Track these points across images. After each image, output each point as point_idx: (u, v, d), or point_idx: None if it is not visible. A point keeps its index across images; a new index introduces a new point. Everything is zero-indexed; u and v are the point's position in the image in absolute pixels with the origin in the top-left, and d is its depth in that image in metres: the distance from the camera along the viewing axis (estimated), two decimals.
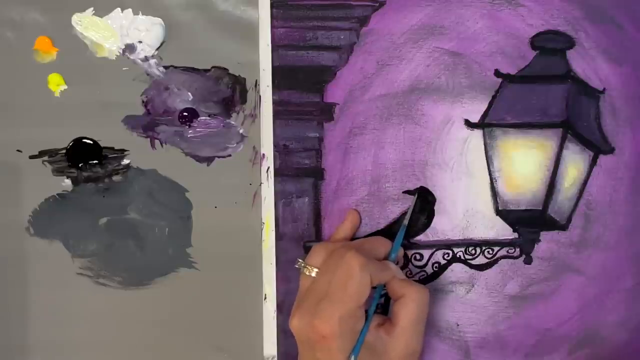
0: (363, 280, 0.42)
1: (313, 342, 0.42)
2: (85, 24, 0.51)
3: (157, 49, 0.51)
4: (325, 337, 0.41)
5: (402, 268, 0.51)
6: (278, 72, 0.51)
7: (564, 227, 0.51)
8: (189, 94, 0.51)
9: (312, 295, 0.43)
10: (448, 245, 0.51)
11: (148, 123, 0.51)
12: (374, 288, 0.44)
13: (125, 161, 0.51)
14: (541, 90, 0.51)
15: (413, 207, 0.51)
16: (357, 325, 0.42)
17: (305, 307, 0.43)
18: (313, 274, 0.45)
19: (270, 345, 0.51)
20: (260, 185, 0.51)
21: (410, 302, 0.43)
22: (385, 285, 0.45)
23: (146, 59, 0.51)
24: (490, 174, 0.51)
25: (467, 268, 0.51)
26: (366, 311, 0.44)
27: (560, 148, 0.51)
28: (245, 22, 0.51)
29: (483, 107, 0.51)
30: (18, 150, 0.51)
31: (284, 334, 0.51)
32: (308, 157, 0.51)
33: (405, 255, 0.51)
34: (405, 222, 0.49)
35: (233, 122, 0.52)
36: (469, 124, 0.51)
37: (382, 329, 0.44)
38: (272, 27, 0.50)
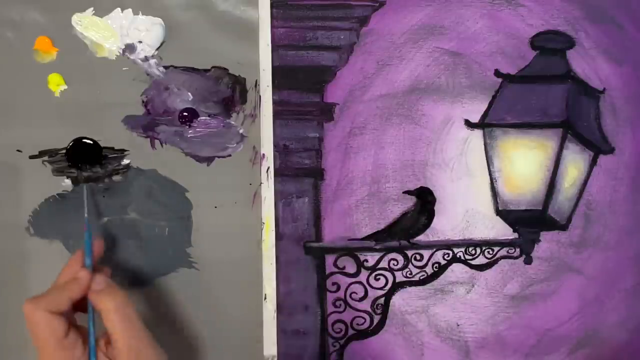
0: (40, 322, 0.42)
1: None
2: (85, 24, 0.51)
3: (157, 49, 0.51)
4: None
5: (402, 268, 0.51)
6: (278, 72, 0.51)
7: (564, 227, 0.51)
8: (189, 94, 0.51)
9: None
10: (448, 245, 0.51)
11: (148, 123, 0.51)
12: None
13: (125, 161, 0.51)
14: (541, 90, 0.51)
15: (413, 208, 0.51)
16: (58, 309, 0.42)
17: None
18: None
19: (270, 345, 0.51)
20: (260, 185, 0.51)
21: (110, 314, 0.43)
22: None
23: (146, 59, 0.51)
24: (490, 174, 0.51)
25: (467, 268, 0.51)
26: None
27: (560, 148, 0.51)
28: (245, 22, 0.51)
29: (483, 107, 0.51)
30: (18, 150, 0.51)
31: (284, 334, 0.51)
32: (308, 157, 0.51)
33: (405, 255, 0.51)
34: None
35: (233, 122, 0.52)
36: (469, 124, 0.51)
37: (109, 354, 0.44)
38: (272, 27, 0.50)
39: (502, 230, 0.51)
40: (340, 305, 0.51)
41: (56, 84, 0.51)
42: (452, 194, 0.51)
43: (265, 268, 0.51)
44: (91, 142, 0.51)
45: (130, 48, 0.51)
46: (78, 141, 0.51)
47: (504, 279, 0.51)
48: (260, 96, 0.51)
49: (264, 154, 0.51)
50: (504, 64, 0.51)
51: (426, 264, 0.51)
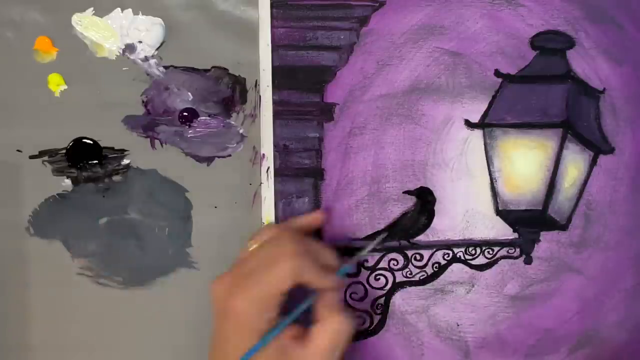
0: (288, 269, 0.40)
1: (228, 315, 0.41)
2: (85, 24, 0.51)
3: (157, 49, 0.51)
4: (237, 313, 0.40)
5: (402, 268, 0.51)
6: (278, 72, 0.51)
7: (564, 227, 0.51)
8: (189, 94, 0.51)
9: (240, 269, 0.42)
10: (448, 245, 0.51)
11: (148, 123, 0.51)
12: (305, 296, 0.42)
13: (125, 161, 0.51)
14: (541, 90, 0.51)
15: (413, 208, 0.51)
16: (270, 314, 0.40)
17: (229, 279, 0.42)
18: (250, 249, 0.44)
19: None
20: (260, 185, 0.51)
21: (330, 329, 0.41)
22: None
23: (146, 59, 0.51)
24: (490, 174, 0.51)
25: (467, 268, 0.51)
26: (285, 314, 0.42)
27: (561, 148, 0.51)
28: (245, 22, 0.51)
29: (483, 107, 0.51)
30: (18, 150, 0.51)
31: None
32: (308, 157, 0.51)
33: (405, 256, 0.51)
34: (365, 252, 0.49)
35: (233, 122, 0.52)
36: (469, 124, 0.51)
37: (295, 342, 0.41)
38: (272, 27, 0.50)
39: (502, 230, 0.51)
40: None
41: (56, 84, 0.51)
42: (452, 194, 0.51)
43: None
44: (91, 142, 0.51)
45: (130, 48, 0.51)
46: (78, 141, 0.51)
47: (504, 279, 0.51)
48: (260, 96, 0.51)
49: (264, 154, 0.51)
50: (504, 64, 0.51)
51: (426, 264, 0.51)
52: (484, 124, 0.51)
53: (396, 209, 0.51)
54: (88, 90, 0.51)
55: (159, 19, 0.51)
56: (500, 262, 0.51)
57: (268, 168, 0.51)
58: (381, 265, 0.51)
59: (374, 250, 0.51)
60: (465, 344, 0.51)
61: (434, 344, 0.51)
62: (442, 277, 0.51)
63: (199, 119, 0.51)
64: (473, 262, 0.51)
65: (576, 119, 0.51)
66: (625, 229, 0.51)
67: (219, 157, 0.52)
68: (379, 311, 0.51)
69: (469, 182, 0.51)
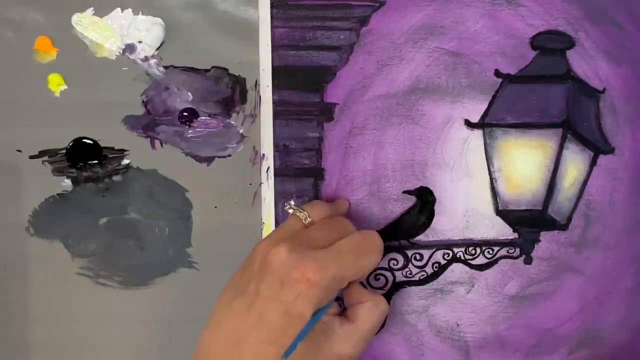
0: (374, 264, 0.42)
1: (290, 280, 0.39)
2: (85, 24, 0.51)
3: (157, 49, 0.51)
4: (310, 281, 0.38)
5: (402, 268, 0.51)
6: (278, 72, 0.51)
7: (564, 227, 0.51)
8: (189, 94, 0.51)
9: (307, 240, 0.41)
10: (448, 245, 0.51)
11: (148, 123, 0.51)
12: None
13: (125, 161, 0.51)
14: (541, 90, 0.51)
15: (411, 208, 0.51)
16: (333, 294, 0.41)
17: (299, 245, 0.40)
18: (306, 222, 0.44)
19: None
20: (260, 185, 0.51)
21: (374, 309, 0.43)
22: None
23: (146, 59, 0.51)
24: (490, 174, 0.51)
25: (467, 268, 0.51)
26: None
27: (560, 148, 0.51)
28: (245, 22, 0.51)
29: (483, 107, 0.51)
30: (18, 150, 0.51)
31: None
32: (308, 157, 0.51)
33: (405, 255, 0.51)
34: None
35: (233, 122, 0.52)
36: (469, 124, 0.51)
37: (337, 319, 0.42)
38: (272, 27, 0.50)
39: (502, 230, 0.51)
40: (341, 305, 0.51)
41: (56, 84, 0.51)
42: (452, 194, 0.51)
43: None
44: (91, 142, 0.51)
45: (130, 48, 0.51)
46: (78, 141, 0.51)
47: (504, 279, 0.51)
48: (260, 96, 0.51)
49: (264, 154, 0.51)
50: (504, 64, 0.51)
51: (426, 264, 0.51)
52: (484, 124, 0.51)
53: (396, 209, 0.51)
54: (88, 90, 0.51)
55: (159, 19, 0.51)
56: (500, 262, 0.51)
57: (268, 168, 0.51)
58: (381, 265, 0.51)
59: None
60: (465, 344, 0.51)
61: (434, 344, 0.51)
62: (442, 277, 0.51)
63: (199, 119, 0.51)
64: (473, 262, 0.51)
65: (576, 119, 0.51)
66: (625, 229, 0.51)
67: (219, 157, 0.52)
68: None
69: (469, 182, 0.51)
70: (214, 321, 0.41)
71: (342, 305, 0.46)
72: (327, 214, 0.45)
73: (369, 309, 0.43)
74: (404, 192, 0.51)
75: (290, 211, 0.45)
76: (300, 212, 0.44)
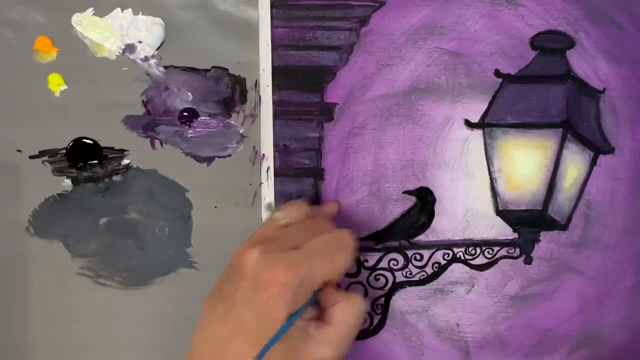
0: (348, 263, 0.41)
1: (262, 282, 0.39)
2: (85, 24, 0.51)
3: (157, 49, 0.51)
4: (281, 283, 0.38)
5: (402, 268, 0.51)
6: (278, 72, 0.51)
7: (564, 227, 0.51)
8: (189, 94, 0.51)
9: (281, 242, 0.41)
10: (448, 245, 0.51)
11: (148, 123, 0.51)
12: None
13: (125, 161, 0.51)
14: (541, 90, 0.51)
15: (411, 208, 0.51)
16: (307, 294, 0.40)
17: (271, 248, 0.40)
18: (283, 222, 0.43)
19: None
20: (260, 185, 0.51)
21: (351, 305, 0.42)
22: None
23: (146, 59, 0.51)
24: (490, 174, 0.51)
25: (467, 268, 0.51)
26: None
27: (560, 148, 0.51)
28: (245, 22, 0.51)
29: (483, 107, 0.51)
30: (18, 150, 0.51)
31: None
32: (308, 157, 0.51)
33: (405, 256, 0.51)
34: None
35: (233, 122, 0.52)
36: (469, 124, 0.51)
37: (315, 323, 0.41)
38: (272, 27, 0.50)
39: (502, 230, 0.51)
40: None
41: (56, 84, 0.51)
42: (452, 194, 0.51)
43: None
44: (91, 142, 0.51)
45: (130, 48, 0.51)
46: (78, 141, 0.51)
47: (504, 279, 0.51)
48: (260, 96, 0.51)
49: (264, 154, 0.51)
50: (504, 64, 0.51)
51: (426, 264, 0.51)
52: (484, 124, 0.51)
53: (396, 209, 0.51)
54: (88, 90, 0.51)
55: (159, 19, 0.51)
56: (500, 262, 0.51)
57: (268, 168, 0.51)
58: (381, 265, 0.51)
59: (373, 250, 0.51)
60: (465, 344, 0.51)
61: (434, 344, 0.51)
62: (442, 277, 0.51)
63: (199, 119, 0.51)
64: (473, 262, 0.51)
65: (576, 119, 0.51)
66: (625, 229, 0.51)
67: (219, 157, 0.52)
68: (379, 311, 0.51)
69: (469, 182, 0.51)
70: (201, 324, 0.41)
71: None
72: (306, 214, 0.45)
73: (343, 309, 0.42)
74: (404, 192, 0.51)
75: (268, 213, 0.45)
76: (277, 213, 0.44)
